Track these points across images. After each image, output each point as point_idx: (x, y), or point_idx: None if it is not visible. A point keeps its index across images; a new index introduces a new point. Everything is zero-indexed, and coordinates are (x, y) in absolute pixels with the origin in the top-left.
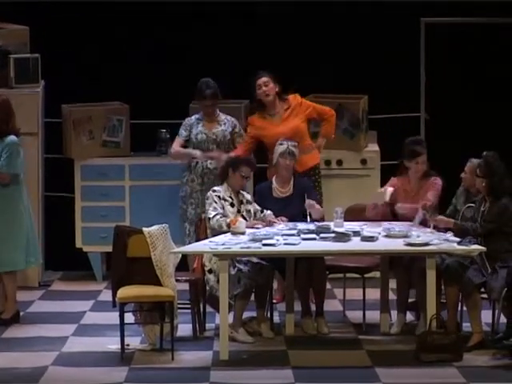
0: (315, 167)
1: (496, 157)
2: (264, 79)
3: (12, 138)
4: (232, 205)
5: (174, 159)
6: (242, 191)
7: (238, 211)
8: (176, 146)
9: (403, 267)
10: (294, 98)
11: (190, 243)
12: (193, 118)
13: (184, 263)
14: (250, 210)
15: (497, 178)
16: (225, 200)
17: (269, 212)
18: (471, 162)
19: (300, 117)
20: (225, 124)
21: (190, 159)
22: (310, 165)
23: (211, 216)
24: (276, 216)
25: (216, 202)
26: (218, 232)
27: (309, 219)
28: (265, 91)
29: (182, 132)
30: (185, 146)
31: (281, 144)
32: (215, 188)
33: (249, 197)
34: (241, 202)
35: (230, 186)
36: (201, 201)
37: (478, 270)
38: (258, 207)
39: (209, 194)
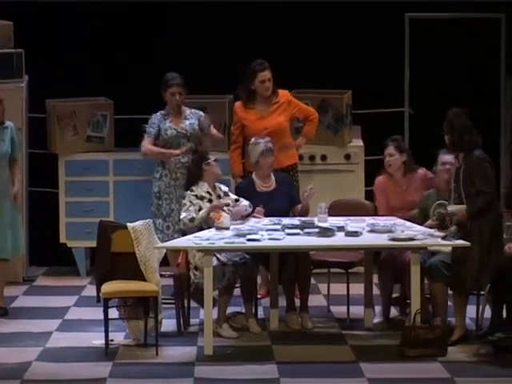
0: (292, 167)
1: (457, 113)
2: (268, 75)
3: (9, 122)
4: (210, 201)
5: (143, 157)
6: (218, 185)
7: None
8: (148, 145)
9: (385, 262)
10: (285, 95)
11: (163, 239)
12: (158, 114)
13: (165, 258)
14: (228, 204)
15: (456, 134)
16: (202, 198)
17: (244, 203)
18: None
19: (286, 114)
20: (191, 118)
21: (162, 157)
22: (286, 163)
23: (181, 217)
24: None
25: (192, 203)
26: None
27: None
28: (268, 87)
29: (150, 130)
30: (154, 144)
31: (257, 143)
32: (192, 188)
33: (226, 189)
34: (218, 197)
35: (205, 182)
36: (175, 196)
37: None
38: (234, 196)
39: (186, 193)
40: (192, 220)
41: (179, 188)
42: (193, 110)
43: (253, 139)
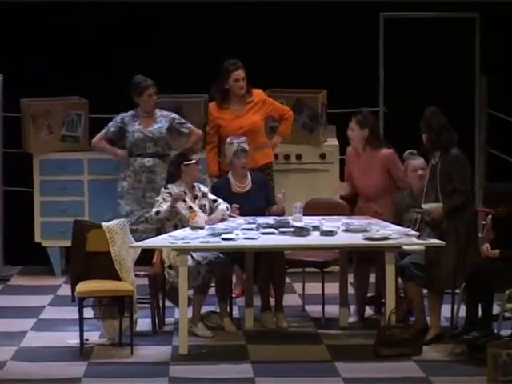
0: (267, 166)
1: (435, 111)
2: (242, 74)
3: None
4: (184, 201)
5: (93, 150)
6: (197, 184)
7: (190, 207)
8: (98, 138)
9: (362, 259)
10: (259, 94)
11: None
12: (128, 114)
13: (140, 258)
14: (204, 205)
15: (434, 133)
16: None
17: (222, 207)
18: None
19: (260, 113)
20: (161, 121)
21: (112, 156)
22: (261, 163)
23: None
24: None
25: (164, 200)
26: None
27: (268, 211)
28: (242, 86)
29: (111, 128)
30: (110, 141)
31: (231, 143)
32: (168, 185)
33: (205, 190)
34: (195, 197)
35: (183, 182)
36: (136, 198)
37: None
38: (212, 197)
39: (161, 190)
40: (157, 213)
41: (141, 191)
42: (163, 113)
43: (228, 139)
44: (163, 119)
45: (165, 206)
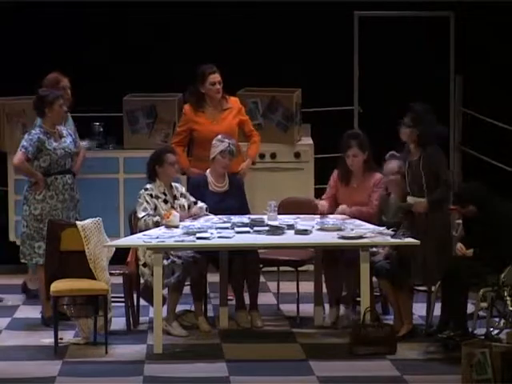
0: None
1: (424, 107)
2: (219, 77)
3: None
4: (165, 201)
5: (15, 169)
6: (175, 184)
7: (172, 207)
8: (23, 160)
9: (331, 259)
10: (235, 102)
11: (38, 262)
12: (38, 132)
13: (116, 257)
14: (183, 205)
15: (424, 127)
16: (157, 197)
17: (201, 204)
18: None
19: (236, 120)
20: (67, 135)
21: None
22: (235, 169)
23: (140, 217)
24: (212, 210)
25: (148, 202)
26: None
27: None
28: (218, 89)
29: (29, 148)
30: (27, 160)
31: (221, 141)
32: (147, 186)
33: (183, 190)
34: (174, 197)
35: (162, 182)
36: (61, 218)
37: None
38: (193, 199)
39: (140, 192)
40: (157, 224)
41: (67, 210)
42: (63, 127)
43: (219, 136)
44: (68, 133)
45: (177, 219)
